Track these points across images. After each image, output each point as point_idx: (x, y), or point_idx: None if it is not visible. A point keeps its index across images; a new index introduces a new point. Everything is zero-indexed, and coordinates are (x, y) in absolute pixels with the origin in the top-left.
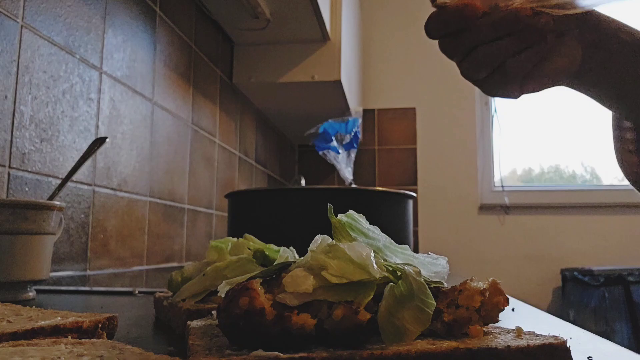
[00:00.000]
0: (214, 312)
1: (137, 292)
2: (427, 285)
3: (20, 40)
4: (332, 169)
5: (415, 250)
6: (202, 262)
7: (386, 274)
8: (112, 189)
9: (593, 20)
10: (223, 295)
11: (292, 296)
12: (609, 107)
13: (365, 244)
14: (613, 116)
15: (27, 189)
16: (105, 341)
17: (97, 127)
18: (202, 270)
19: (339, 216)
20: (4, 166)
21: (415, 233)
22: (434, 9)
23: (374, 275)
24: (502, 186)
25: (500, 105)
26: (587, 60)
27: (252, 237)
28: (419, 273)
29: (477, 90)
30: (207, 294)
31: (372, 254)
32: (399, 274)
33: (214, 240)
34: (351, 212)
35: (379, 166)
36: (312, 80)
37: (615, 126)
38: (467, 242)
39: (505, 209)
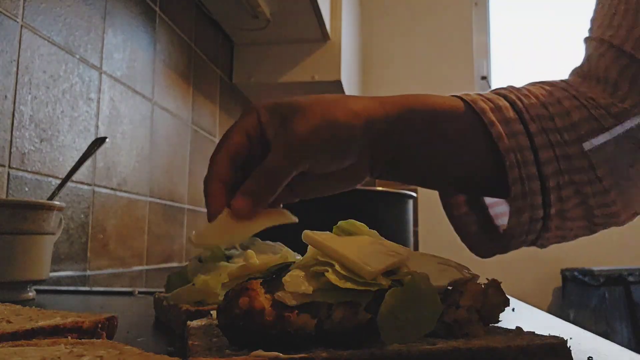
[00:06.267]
0: (214, 312)
1: (136, 292)
2: (436, 291)
3: (20, 40)
4: None
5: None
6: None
7: (385, 277)
8: (111, 189)
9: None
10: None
11: (291, 295)
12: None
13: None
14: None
15: (26, 189)
16: (105, 341)
17: (97, 127)
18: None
19: (340, 223)
20: (3, 166)
21: (415, 233)
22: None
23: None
24: None
25: None
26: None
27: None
28: (427, 277)
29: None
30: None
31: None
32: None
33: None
34: (352, 220)
35: None
36: (312, 80)
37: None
38: None
39: None
